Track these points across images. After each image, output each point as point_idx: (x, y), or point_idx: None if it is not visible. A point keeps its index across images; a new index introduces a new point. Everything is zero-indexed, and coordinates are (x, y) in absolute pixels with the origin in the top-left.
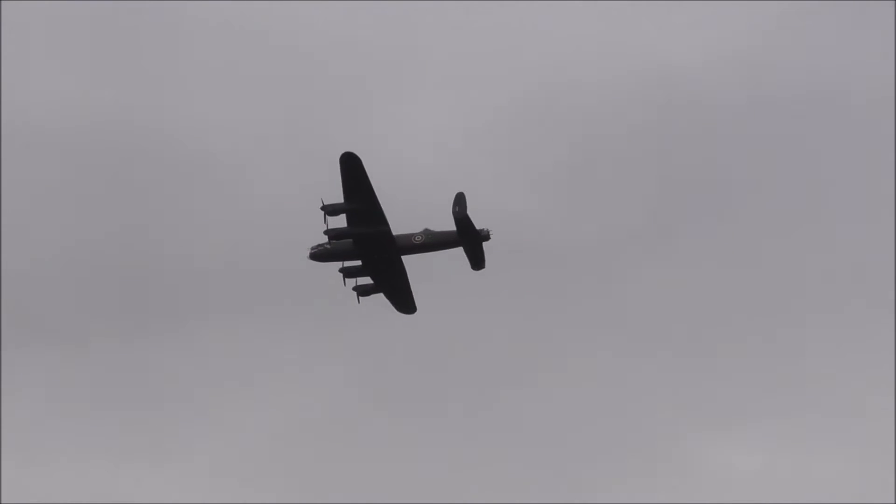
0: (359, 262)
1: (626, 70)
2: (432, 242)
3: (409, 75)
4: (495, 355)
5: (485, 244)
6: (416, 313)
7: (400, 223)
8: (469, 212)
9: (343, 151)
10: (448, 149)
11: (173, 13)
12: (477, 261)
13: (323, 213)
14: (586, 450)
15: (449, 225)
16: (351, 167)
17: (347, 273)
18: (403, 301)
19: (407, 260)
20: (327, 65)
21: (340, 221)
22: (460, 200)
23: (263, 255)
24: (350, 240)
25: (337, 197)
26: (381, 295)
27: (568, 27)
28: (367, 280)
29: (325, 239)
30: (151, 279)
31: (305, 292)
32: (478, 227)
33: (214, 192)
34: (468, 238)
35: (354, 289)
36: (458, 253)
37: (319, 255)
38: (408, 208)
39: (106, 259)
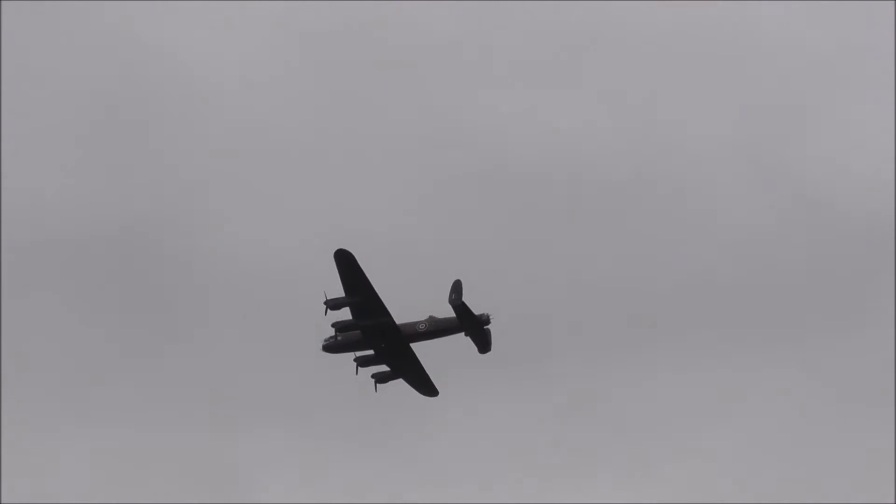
0: (372, 352)
1: None
2: (436, 329)
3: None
4: None
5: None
6: (438, 396)
7: None
8: None
9: (336, 249)
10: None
11: None
12: (482, 345)
13: (325, 306)
14: None
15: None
16: (345, 264)
17: (362, 362)
18: (423, 385)
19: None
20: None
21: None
22: (457, 288)
23: None
24: (358, 331)
25: None
26: (402, 381)
27: None
28: (383, 367)
29: (332, 331)
30: None
31: None
32: (477, 312)
33: None
34: (468, 324)
35: (373, 376)
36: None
37: (332, 346)
38: None
39: None
